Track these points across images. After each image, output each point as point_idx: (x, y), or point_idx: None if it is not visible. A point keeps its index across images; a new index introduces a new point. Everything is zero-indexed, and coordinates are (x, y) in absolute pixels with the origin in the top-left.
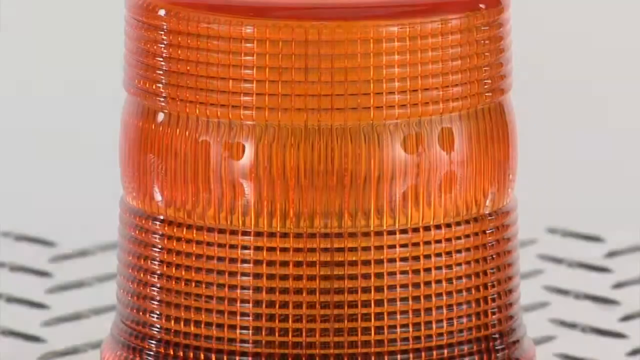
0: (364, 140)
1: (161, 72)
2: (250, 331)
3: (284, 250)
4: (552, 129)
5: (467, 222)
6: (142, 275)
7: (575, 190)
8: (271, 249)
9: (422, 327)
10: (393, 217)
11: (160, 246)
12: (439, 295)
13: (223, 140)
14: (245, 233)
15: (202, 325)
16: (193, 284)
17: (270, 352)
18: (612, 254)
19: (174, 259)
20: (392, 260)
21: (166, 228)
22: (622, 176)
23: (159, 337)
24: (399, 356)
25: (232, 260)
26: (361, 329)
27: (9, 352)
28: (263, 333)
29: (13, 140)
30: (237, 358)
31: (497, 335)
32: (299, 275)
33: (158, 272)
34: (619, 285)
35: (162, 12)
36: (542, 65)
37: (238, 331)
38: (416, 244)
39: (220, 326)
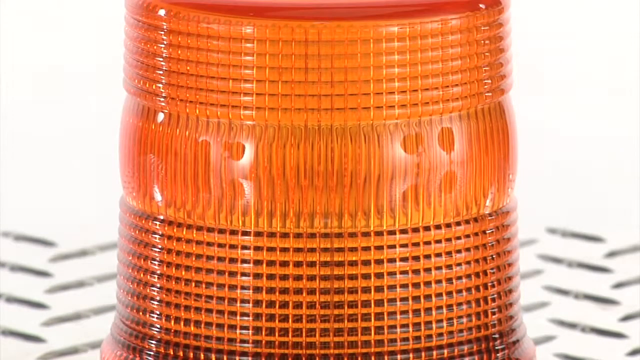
0: (364, 140)
1: (161, 72)
2: (250, 331)
3: (284, 250)
4: (552, 129)
5: (467, 222)
6: (142, 275)
7: (575, 190)
8: (271, 249)
9: (422, 327)
10: (393, 217)
11: (160, 246)
12: (439, 295)
13: (223, 140)
14: (245, 233)
15: (202, 325)
16: (193, 284)
17: (270, 352)
18: (612, 254)
19: (174, 259)
20: (392, 260)
21: (166, 228)
22: (622, 176)
23: (159, 337)
24: (399, 356)
25: (232, 260)
26: (361, 329)
27: (9, 352)
28: (263, 333)
29: (13, 141)
30: (237, 358)
31: (497, 335)
32: (299, 275)
33: (158, 272)
34: (619, 285)
35: (162, 12)
36: (542, 65)
37: (238, 331)
38: (416, 244)
39: (220, 326)
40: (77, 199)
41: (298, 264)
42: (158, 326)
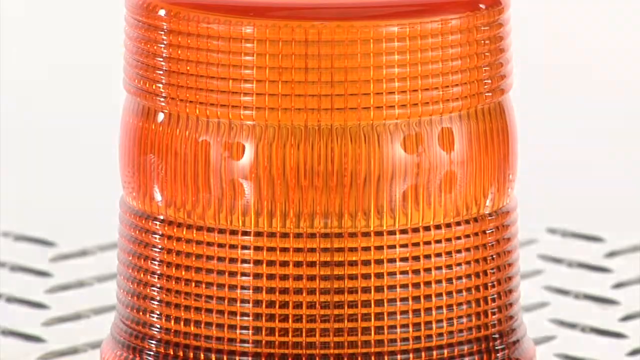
0: (364, 140)
1: (161, 72)
2: (250, 331)
3: (284, 250)
4: (552, 129)
5: (467, 222)
6: (142, 275)
7: (575, 190)
8: (271, 249)
9: (422, 327)
10: (393, 217)
11: (160, 246)
12: (439, 295)
13: (223, 140)
14: (245, 233)
15: (202, 325)
16: (193, 284)
17: (270, 352)
18: (612, 254)
19: (174, 259)
20: (392, 261)
21: (166, 228)
22: (622, 176)
23: (159, 337)
24: (399, 356)
25: (232, 260)
26: (361, 329)
27: (9, 352)
28: (263, 333)
29: (13, 140)
30: (237, 358)
31: (497, 335)
32: (299, 275)
33: (158, 272)
34: (619, 285)
35: (162, 12)
36: (542, 65)
37: (238, 331)
38: (416, 244)
39: (220, 326)
40: (77, 199)
41: (298, 264)
42: (158, 326)
